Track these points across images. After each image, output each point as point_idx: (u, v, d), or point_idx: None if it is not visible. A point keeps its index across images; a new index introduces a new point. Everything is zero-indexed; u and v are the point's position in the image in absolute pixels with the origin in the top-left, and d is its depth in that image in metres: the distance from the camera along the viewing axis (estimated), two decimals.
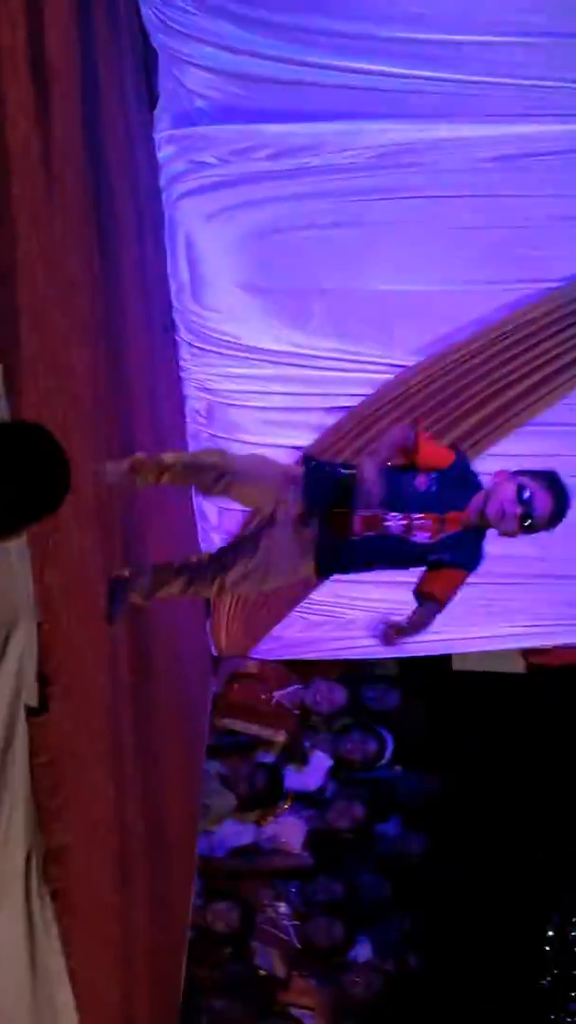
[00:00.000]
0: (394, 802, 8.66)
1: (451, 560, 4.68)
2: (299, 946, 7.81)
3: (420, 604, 4.80)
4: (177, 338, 7.59)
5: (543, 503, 4.56)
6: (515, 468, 4.70)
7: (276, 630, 8.42)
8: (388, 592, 8.19)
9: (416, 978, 8.16)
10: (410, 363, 7.53)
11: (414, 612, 4.78)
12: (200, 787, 7.70)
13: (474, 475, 4.73)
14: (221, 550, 4.95)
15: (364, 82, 7.00)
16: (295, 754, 8.51)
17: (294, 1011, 7.69)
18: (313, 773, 8.54)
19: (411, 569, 4.78)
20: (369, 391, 7.60)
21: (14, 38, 3.98)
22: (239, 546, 4.88)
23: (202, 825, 7.79)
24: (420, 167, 7.18)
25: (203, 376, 7.71)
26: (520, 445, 7.59)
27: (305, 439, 7.69)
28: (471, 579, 7.87)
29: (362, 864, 8.40)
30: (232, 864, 8.09)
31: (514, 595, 8.09)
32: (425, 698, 9.01)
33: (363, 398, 7.62)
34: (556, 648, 8.44)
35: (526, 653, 8.57)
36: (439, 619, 8.10)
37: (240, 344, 7.60)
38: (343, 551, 4.69)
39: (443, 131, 7.11)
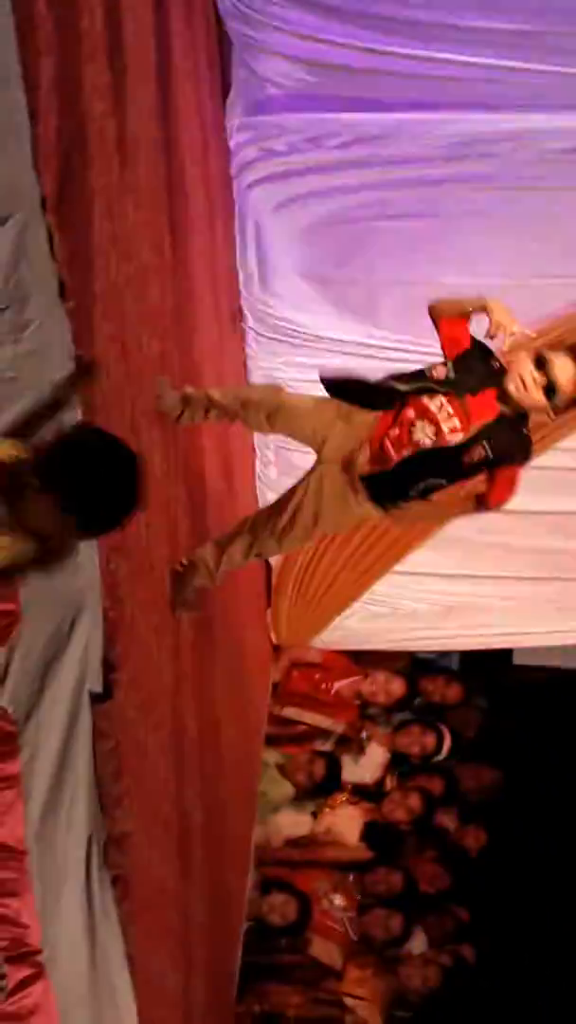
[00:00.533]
0: (453, 792, 8.62)
1: (497, 458, 4.59)
2: (355, 938, 7.79)
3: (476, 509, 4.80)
4: (245, 326, 7.57)
5: (566, 368, 4.47)
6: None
7: (337, 620, 8.39)
8: (450, 584, 8.19)
9: (471, 971, 8.13)
10: None
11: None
12: (258, 776, 7.70)
13: (496, 359, 4.63)
14: (274, 504, 4.93)
15: (439, 71, 6.91)
16: (352, 744, 8.49)
17: (348, 1000, 7.68)
18: (370, 765, 8.52)
19: (469, 478, 4.70)
20: None
21: (92, 24, 4.00)
22: (290, 492, 4.86)
23: (259, 813, 7.79)
24: (494, 158, 7.10)
25: (269, 365, 7.68)
26: None
27: None
28: (540, 574, 7.96)
29: (420, 854, 8.36)
30: (288, 853, 8.08)
31: None
32: (485, 694, 8.96)
33: None
34: None
35: None
36: (506, 613, 8.17)
37: (307, 333, 7.56)
38: (390, 477, 4.64)
39: (518, 121, 7.01)
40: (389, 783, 8.51)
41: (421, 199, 7.23)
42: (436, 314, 4.76)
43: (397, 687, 8.52)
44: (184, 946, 5.04)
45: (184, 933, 5.02)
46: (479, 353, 4.62)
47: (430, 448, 4.54)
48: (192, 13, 6.23)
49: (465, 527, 7.80)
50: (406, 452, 4.57)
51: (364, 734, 8.51)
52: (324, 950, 7.60)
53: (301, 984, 7.62)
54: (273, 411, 4.75)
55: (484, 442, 4.54)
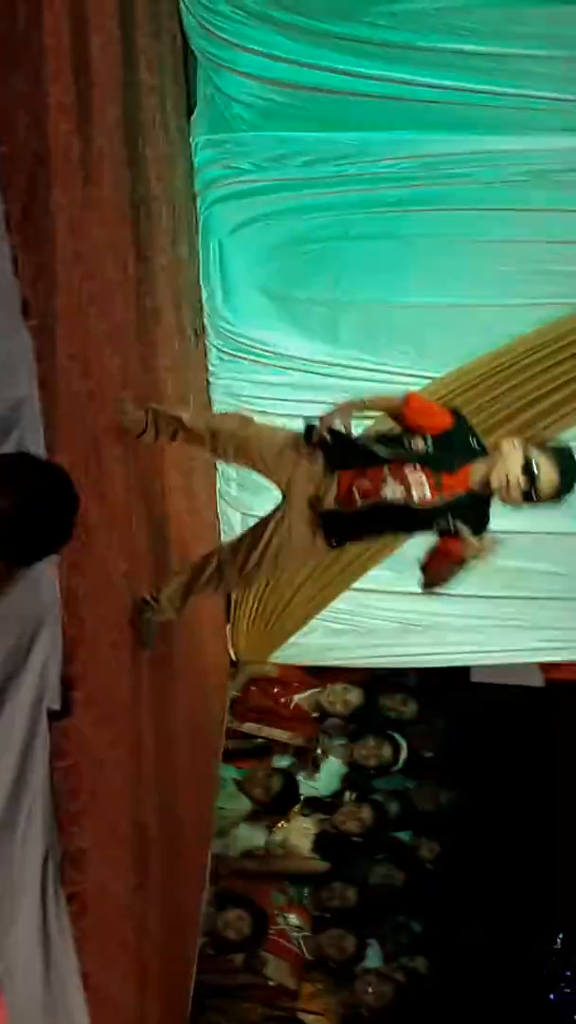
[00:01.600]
0: (409, 814, 8.64)
1: (458, 528, 4.62)
2: (310, 957, 7.80)
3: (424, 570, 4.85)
4: (207, 343, 7.59)
5: (550, 482, 4.49)
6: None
7: (296, 637, 8.41)
8: (410, 602, 8.21)
9: (425, 985, 8.15)
10: (439, 375, 7.50)
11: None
12: (215, 792, 7.70)
13: (477, 439, 4.69)
14: (237, 538, 4.95)
15: (404, 92, 6.98)
16: (307, 762, 8.51)
17: (303, 1016, 7.68)
18: (326, 779, 8.54)
19: (421, 533, 4.77)
20: None
21: (58, 42, 4.00)
22: (254, 530, 4.88)
23: (217, 828, 7.79)
24: (457, 179, 7.17)
25: (231, 381, 7.70)
26: None
27: None
28: (500, 592, 8.00)
29: (373, 859, 8.38)
30: (244, 865, 8.09)
31: (537, 610, 8.07)
32: (443, 711, 8.99)
33: None
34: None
35: (547, 668, 8.54)
36: (465, 631, 8.20)
37: (269, 351, 7.60)
38: (350, 520, 4.68)
39: (482, 143, 7.09)
40: (347, 796, 8.53)
41: (383, 220, 7.28)
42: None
43: (354, 697, 8.55)
44: (139, 963, 5.02)
45: (139, 950, 5.01)
46: (461, 429, 4.68)
47: (396, 504, 4.59)
48: (159, 30, 6.25)
49: (423, 546, 7.83)
50: (371, 501, 4.61)
51: (319, 750, 8.53)
52: (278, 970, 7.60)
53: (256, 1002, 7.61)
54: (241, 444, 4.78)
55: (450, 516, 4.60)
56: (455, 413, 4.78)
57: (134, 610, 4.84)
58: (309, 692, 8.63)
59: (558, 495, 4.55)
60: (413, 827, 8.70)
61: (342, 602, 8.23)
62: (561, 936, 9.02)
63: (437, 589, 4.98)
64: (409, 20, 6.79)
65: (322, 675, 8.73)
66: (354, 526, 4.73)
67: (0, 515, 3.24)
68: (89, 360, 4.27)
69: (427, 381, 7.51)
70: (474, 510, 4.65)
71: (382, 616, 8.27)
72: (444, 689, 9.05)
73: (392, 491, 4.60)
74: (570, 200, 7.13)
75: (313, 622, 8.30)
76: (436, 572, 4.86)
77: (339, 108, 7.09)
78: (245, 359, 7.65)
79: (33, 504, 3.27)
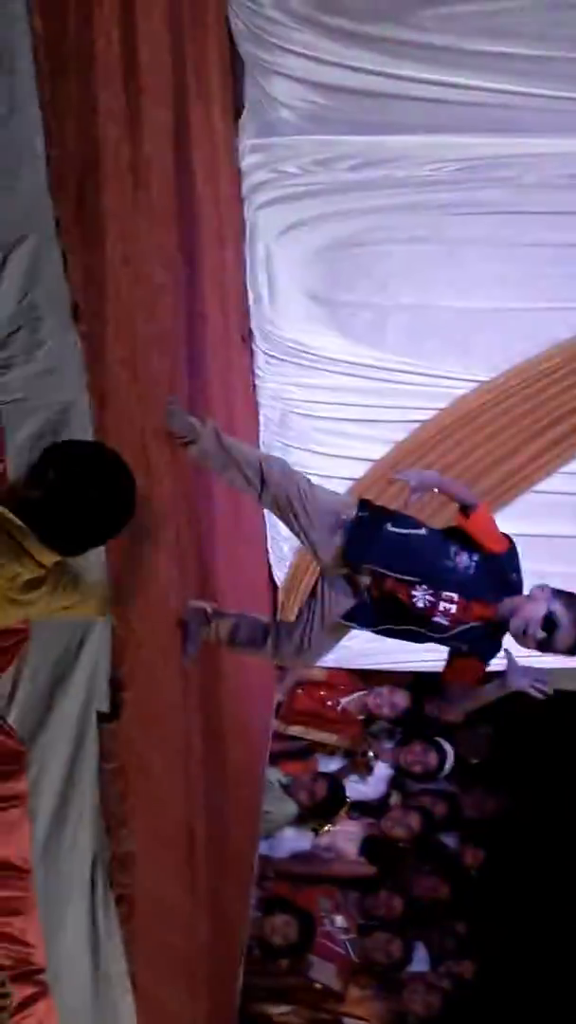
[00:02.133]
0: (455, 816, 8.63)
1: (469, 651, 4.60)
2: (356, 960, 7.79)
3: (445, 692, 4.82)
4: (254, 347, 7.59)
5: (567, 634, 4.43)
6: (559, 586, 4.59)
7: (342, 640, 8.38)
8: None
9: (471, 989, 8.14)
10: (485, 379, 7.48)
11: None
12: (262, 796, 7.70)
13: (518, 575, 4.63)
14: (299, 620, 4.93)
15: (450, 95, 6.96)
16: (359, 764, 8.51)
17: (348, 1021, 7.67)
18: (375, 782, 8.54)
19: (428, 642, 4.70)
20: (443, 405, 7.56)
21: (108, 48, 4.02)
22: (307, 608, 4.89)
23: (263, 832, 7.80)
24: (504, 182, 7.15)
25: (277, 385, 7.70)
26: None
27: (378, 451, 7.66)
28: None
29: (419, 868, 8.37)
30: (290, 867, 8.10)
31: None
32: (491, 719, 8.96)
33: (437, 411, 7.58)
34: None
35: None
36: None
37: (315, 355, 7.58)
38: (366, 610, 4.68)
39: (529, 146, 7.07)
40: (394, 799, 8.53)
41: (431, 223, 7.27)
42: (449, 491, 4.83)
43: (401, 699, 8.53)
44: (186, 966, 5.04)
45: (187, 953, 5.03)
46: (510, 560, 4.63)
47: (423, 616, 4.56)
48: (206, 35, 6.26)
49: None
50: (399, 596, 4.59)
51: (371, 754, 8.53)
52: (324, 973, 7.60)
53: (302, 1005, 7.62)
54: (289, 500, 4.74)
55: (466, 639, 4.56)
56: (510, 542, 4.70)
57: (187, 617, 4.84)
58: (356, 695, 8.62)
59: (571, 649, 4.49)
60: (459, 830, 8.69)
61: None
62: None
63: (454, 713, 4.96)
64: (455, 23, 6.76)
65: (368, 678, 8.72)
66: (372, 617, 4.71)
67: (46, 488, 3.20)
68: (137, 364, 4.29)
69: (473, 384, 7.49)
70: (489, 639, 4.60)
71: None
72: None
73: (422, 599, 4.57)
74: None
75: None
76: (456, 689, 4.79)
77: (384, 111, 7.08)
78: (292, 362, 7.64)
79: (81, 479, 3.20)
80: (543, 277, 7.32)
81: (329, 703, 8.53)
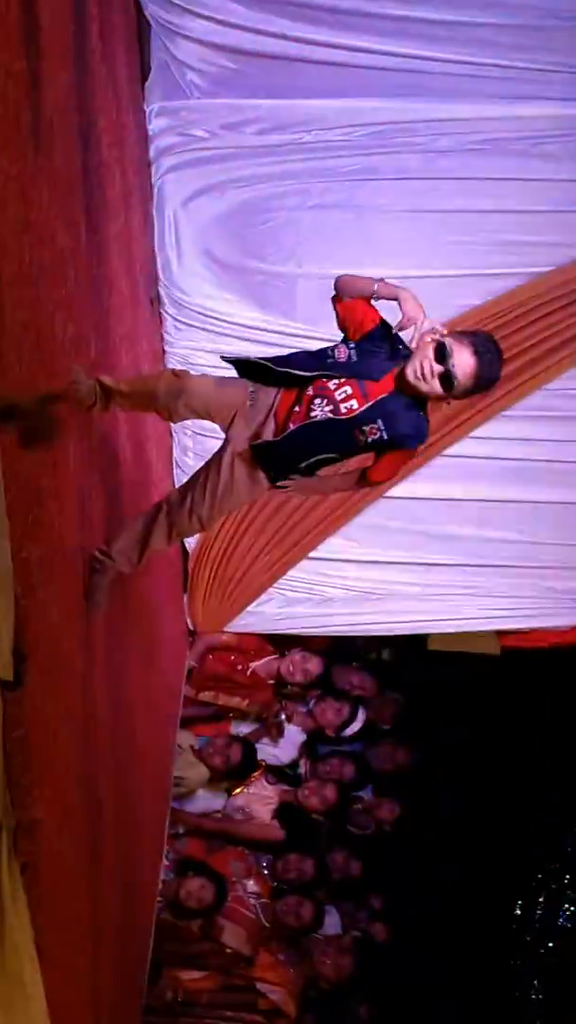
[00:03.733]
0: (366, 773, 8.70)
1: (391, 436, 4.56)
2: (267, 924, 7.84)
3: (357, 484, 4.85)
4: (162, 312, 7.55)
5: (465, 362, 4.41)
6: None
7: (253, 606, 8.42)
8: (366, 571, 8.25)
9: (382, 951, 8.22)
10: None
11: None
12: (171, 762, 7.71)
13: (403, 345, 4.60)
14: (186, 484, 4.93)
15: (359, 59, 6.95)
16: (271, 727, 8.54)
17: (260, 986, 7.72)
18: (286, 746, 8.58)
19: (356, 450, 4.68)
20: None
21: (7, 10, 3.96)
22: (198, 473, 4.87)
23: (174, 794, 7.81)
24: (413, 148, 7.15)
25: (186, 351, 7.67)
26: (502, 429, 7.63)
27: None
28: (455, 560, 8.03)
29: (332, 842, 8.43)
30: (202, 822, 8.12)
31: (494, 579, 8.12)
32: (400, 681, 9.04)
33: None
34: (532, 631, 8.46)
35: (502, 635, 8.60)
36: (421, 599, 8.23)
37: (224, 321, 7.56)
38: (282, 448, 4.64)
39: (438, 111, 7.06)
40: (304, 765, 8.57)
41: (341, 188, 7.26)
42: (342, 290, 4.73)
43: (314, 666, 8.58)
44: (94, 933, 5.04)
45: (94, 920, 5.02)
46: (383, 334, 4.62)
47: (325, 420, 4.56)
48: None
49: (379, 514, 7.87)
50: (299, 424, 4.58)
51: (283, 716, 8.56)
52: (235, 937, 7.64)
53: (213, 970, 7.65)
54: (178, 396, 4.74)
55: (380, 421, 4.53)
56: (378, 315, 4.67)
57: (86, 567, 4.82)
58: (266, 659, 8.65)
59: (478, 377, 4.45)
60: (374, 786, 8.77)
61: (299, 571, 8.25)
62: (520, 903, 9.12)
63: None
64: None
65: (279, 642, 8.76)
66: (288, 456, 4.68)
67: None
68: (41, 329, 4.25)
69: None
70: (407, 415, 4.56)
71: (339, 585, 8.29)
72: (403, 656, 9.11)
73: (321, 410, 4.57)
74: (524, 169, 7.11)
75: (270, 591, 8.32)
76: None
77: (292, 75, 7.05)
78: (201, 328, 7.62)
79: None
80: (454, 244, 7.33)
81: (239, 667, 8.55)
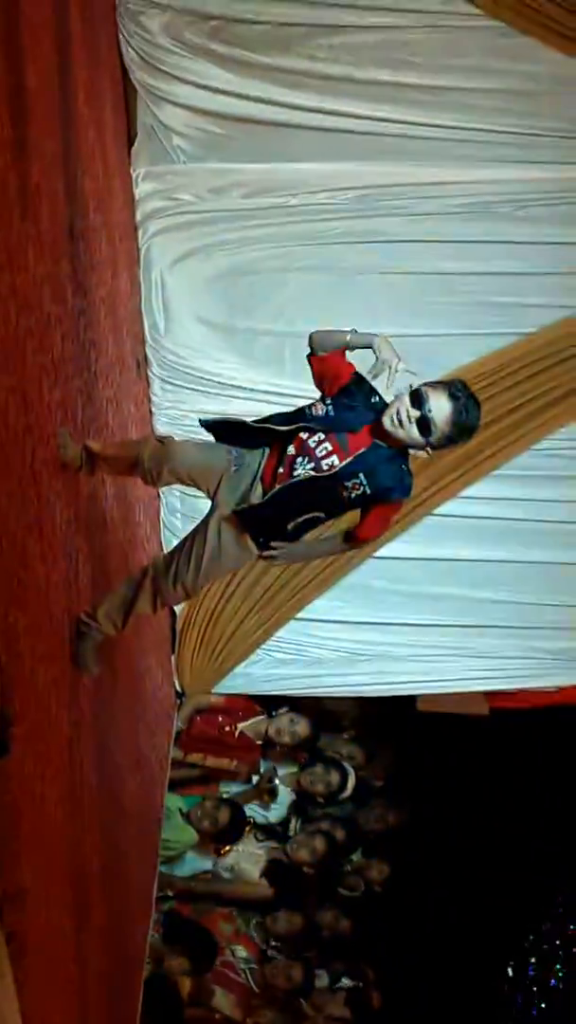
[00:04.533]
0: (357, 835, 8.65)
1: (375, 494, 4.56)
2: (257, 990, 7.77)
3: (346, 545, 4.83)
4: (149, 374, 7.57)
5: (442, 406, 4.39)
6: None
7: (242, 667, 8.39)
8: (354, 632, 8.23)
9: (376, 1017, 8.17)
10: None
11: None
12: (159, 826, 7.65)
13: (378, 396, 4.59)
14: (173, 550, 4.91)
15: (344, 124, 7.03)
16: (263, 792, 8.50)
17: None
18: (275, 806, 8.54)
19: (344, 513, 4.70)
20: None
21: None
22: (185, 539, 4.86)
23: (163, 858, 7.75)
24: (397, 211, 7.21)
25: (175, 412, 7.69)
26: (491, 488, 7.64)
27: None
28: (442, 621, 8.02)
29: (322, 900, 8.38)
30: (191, 885, 8.06)
31: (482, 639, 8.11)
32: (390, 741, 9.01)
33: None
34: (520, 692, 8.44)
35: (490, 696, 8.57)
36: (409, 660, 8.21)
37: (213, 381, 7.59)
38: (266, 511, 4.62)
39: (422, 175, 7.13)
40: (293, 824, 8.52)
41: (324, 252, 7.30)
42: (316, 344, 4.74)
43: (302, 728, 8.53)
44: (82, 1000, 4.98)
45: (83, 987, 4.96)
46: (358, 388, 4.62)
47: (307, 478, 4.55)
48: (98, 62, 6.25)
49: (367, 575, 7.87)
50: (282, 484, 4.57)
51: (275, 781, 8.52)
52: (226, 1002, 7.57)
53: None
54: (162, 462, 4.75)
55: (362, 475, 4.52)
56: (352, 368, 4.67)
57: (73, 631, 4.80)
58: (254, 720, 8.61)
59: (455, 422, 4.42)
60: (363, 847, 8.71)
61: (287, 632, 8.23)
62: (512, 964, 9.05)
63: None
64: (348, 53, 6.86)
65: (268, 701, 8.73)
66: (274, 518, 4.66)
67: None
68: (28, 393, 4.25)
69: None
70: (389, 468, 4.54)
71: (327, 646, 8.28)
72: (390, 719, 9.08)
73: (303, 468, 4.57)
74: (508, 232, 7.17)
75: (258, 652, 8.29)
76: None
77: (278, 140, 7.14)
78: (188, 388, 7.64)
79: None
80: (437, 305, 7.38)
81: (227, 728, 8.51)
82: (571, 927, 9.09)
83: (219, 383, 7.63)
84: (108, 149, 6.39)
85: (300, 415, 4.63)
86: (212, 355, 7.58)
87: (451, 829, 8.87)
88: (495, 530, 7.79)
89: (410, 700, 8.69)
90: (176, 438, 4.90)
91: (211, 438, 4.84)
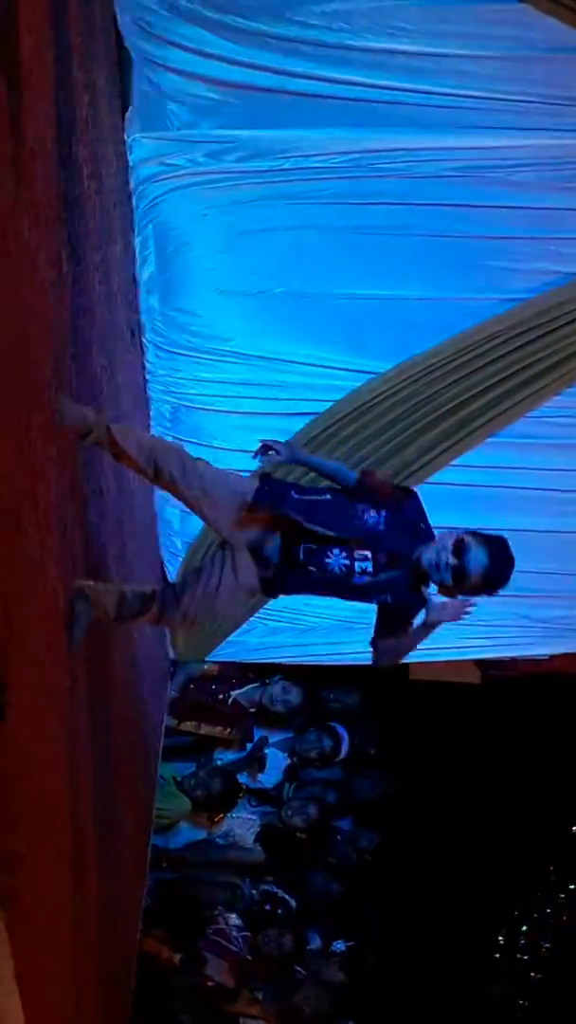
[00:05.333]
0: (348, 801, 8.68)
1: (394, 602, 4.70)
2: (249, 957, 7.80)
3: (375, 648, 4.91)
4: (144, 341, 7.56)
5: (479, 560, 4.58)
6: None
7: (235, 635, 8.40)
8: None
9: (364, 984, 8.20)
10: (379, 370, 7.51)
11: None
12: (153, 794, 7.68)
13: (426, 524, 4.76)
14: (182, 580, 4.95)
15: (337, 91, 7.00)
16: (253, 762, 8.53)
17: (244, 1021, 7.68)
18: (271, 770, 8.58)
19: (353, 602, 4.80)
20: (338, 397, 7.58)
21: None
22: (202, 577, 4.87)
23: (156, 826, 7.78)
24: (391, 175, 7.19)
25: (169, 379, 7.69)
26: (485, 456, 7.63)
27: None
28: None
29: (313, 866, 8.41)
30: (184, 855, 8.10)
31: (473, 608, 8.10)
32: (382, 707, 9.03)
33: (331, 404, 7.59)
34: (512, 660, 8.46)
35: (482, 664, 8.59)
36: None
37: (208, 347, 7.58)
38: (287, 583, 4.71)
39: (415, 141, 7.11)
40: (287, 789, 8.55)
41: (321, 213, 7.29)
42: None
43: (294, 697, 8.56)
44: (76, 965, 5.01)
45: (76, 952, 4.99)
46: (415, 510, 4.77)
47: (339, 575, 4.63)
48: (92, 28, 6.22)
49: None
50: (315, 565, 4.63)
51: (265, 752, 8.55)
52: (218, 969, 7.60)
53: (195, 1004, 7.61)
54: (191, 477, 4.77)
55: (388, 595, 4.68)
56: (413, 492, 4.87)
57: (69, 599, 4.81)
58: (247, 687, 8.64)
59: (487, 578, 4.63)
60: (354, 814, 8.74)
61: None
62: (503, 931, 9.10)
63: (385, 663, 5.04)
64: (341, 19, 6.82)
65: (261, 670, 8.75)
66: (291, 589, 4.75)
67: None
68: (22, 360, 4.24)
69: (366, 376, 7.52)
70: (412, 588, 4.71)
71: (320, 614, 8.28)
72: (384, 686, 9.10)
73: (336, 560, 4.63)
74: (502, 196, 7.15)
75: (251, 620, 8.30)
76: (385, 645, 4.91)
77: (273, 106, 7.10)
78: (183, 355, 7.63)
79: None
80: (431, 267, 7.37)
81: (220, 696, 8.54)
82: (562, 896, 9.13)
83: (213, 349, 7.61)
84: (102, 115, 6.36)
85: (351, 516, 4.68)
86: (206, 321, 7.57)
87: (443, 798, 8.90)
88: (489, 498, 7.79)
89: (402, 669, 8.72)
90: (200, 462, 4.89)
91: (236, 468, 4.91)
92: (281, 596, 4.96)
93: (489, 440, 7.57)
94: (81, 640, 4.90)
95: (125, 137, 7.17)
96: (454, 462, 7.62)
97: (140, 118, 7.21)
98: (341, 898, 8.37)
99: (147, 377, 7.71)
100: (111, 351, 6.36)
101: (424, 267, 7.36)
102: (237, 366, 7.62)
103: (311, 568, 4.65)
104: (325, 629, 8.37)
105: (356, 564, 4.63)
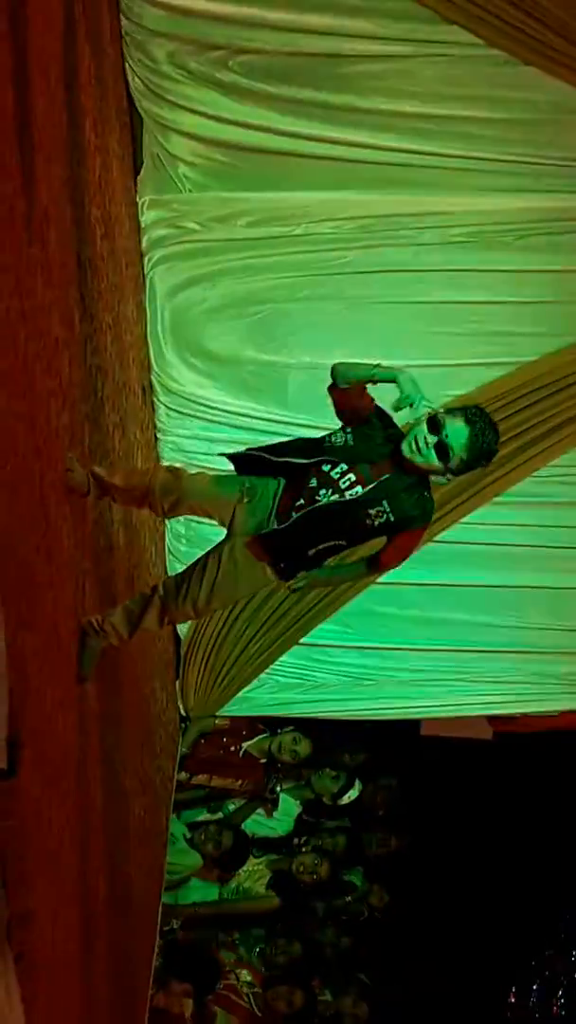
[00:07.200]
0: (359, 852, 8.66)
1: (398, 522, 4.62)
2: (259, 1014, 7.76)
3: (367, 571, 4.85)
4: (155, 400, 7.61)
5: (458, 429, 4.46)
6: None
7: (245, 691, 8.41)
8: (357, 656, 8.24)
9: None
10: None
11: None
12: (165, 849, 7.67)
13: (396, 428, 4.65)
14: (185, 570, 4.93)
15: (347, 153, 7.07)
16: (266, 803, 8.53)
17: None
18: (283, 818, 8.56)
19: (365, 535, 4.72)
20: None
21: (1, 103, 4.04)
22: (197, 561, 4.88)
23: (167, 882, 7.76)
24: (402, 241, 7.24)
25: (179, 438, 7.72)
26: (493, 514, 7.66)
27: None
28: (445, 646, 8.05)
29: (322, 920, 8.39)
30: (196, 911, 8.08)
31: (484, 664, 8.13)
32: (393, 766, 9.02)
33: None
34: (523, 716, 8.45)
35: (494, 720, 8.58)
36: (412, 685, 8.23)
37: (217, 409, 7.62)
38: (289, 537, 4.66)
39: (426, 204, 7.17)
40: (297, 841, 8.53)
41: (328, 282, 7.34)
42: (338, 376, 4.75)
43: (303, 748, 8.56)
44: (88, 1022, 5.00)
45: (89, 1008, 4.98)
46: (379, 421, 4.68)
47: (330, 504, 4.59)
48: (104, 91, 6.30)
49: (371, 600, 7.89)
50: (304, 510, 4.60)
51: (277, 789, 8.55)
52: None
53: None
54: (173, 493, 4.78)
55: (386, 503, 4.58)
56: (372, 401, 4.72)
57: (78, 637, 4.82)
58: (257, 738, 8.65)
59: (471, 449, 4.50)
60: (365, 871, 8.72)
61: (290, 656, 8.25)
62: (514, 989, 9.04)
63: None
64: (351, 82, 6.89)
65: (271, 721, 8.75)
66: (296, 544, 4.70)
67: None
68: (36, 418, 4.29)
69: None
70: (411, 496, 4.61)
71: (331, 670, 8.29)
72: (394, 744, 9.09)
73: (327, 499, 4.62)
74: (510, 260, 7.21)
75: (261, 676, 8.31)
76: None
77: (282, 169, 7.18)
78: (193, 416, 7.67)
79: None
80: (441, 335, 7.41)
81: (232, 748, 8.54)
82: (574, 953, 9.08)
83: (222, 411, 7.66)
84: (114, 177, 6.44)
85: (319, 447, 4.67)
86: (216, 384, 7.62)
87: (454, 854, 8.87)
88: (497, 556, 7.81)
89: (414, 725, 8.72)
90: (186, 469, 4.92)
91: (229, 467, 4.88)
92: (293, 567, 4.80)
93: (497, 499, 7.60)
94: (91, 673, 4.91)
95: (137, 199, 7.24)
96: (462, 520, 7.64)
97: (151, 180, 7.29)
98: (351, 953, 8.33)
99: (157, 436, 7.75)
100: (123, 409, 6.40)
101: (432, 335, 7.41)
102: (245, 430, 7.65)
103: (310, 518, 4.61)
104: (335, 686, 8.37)
105: (342, 482, 4.57)
